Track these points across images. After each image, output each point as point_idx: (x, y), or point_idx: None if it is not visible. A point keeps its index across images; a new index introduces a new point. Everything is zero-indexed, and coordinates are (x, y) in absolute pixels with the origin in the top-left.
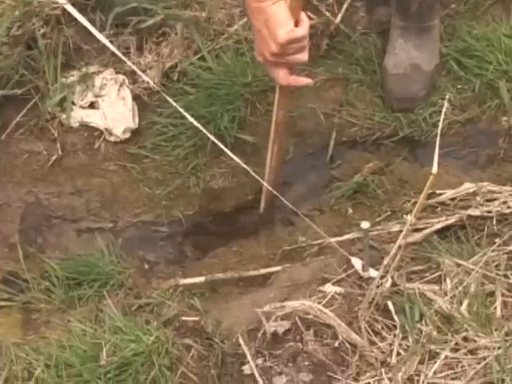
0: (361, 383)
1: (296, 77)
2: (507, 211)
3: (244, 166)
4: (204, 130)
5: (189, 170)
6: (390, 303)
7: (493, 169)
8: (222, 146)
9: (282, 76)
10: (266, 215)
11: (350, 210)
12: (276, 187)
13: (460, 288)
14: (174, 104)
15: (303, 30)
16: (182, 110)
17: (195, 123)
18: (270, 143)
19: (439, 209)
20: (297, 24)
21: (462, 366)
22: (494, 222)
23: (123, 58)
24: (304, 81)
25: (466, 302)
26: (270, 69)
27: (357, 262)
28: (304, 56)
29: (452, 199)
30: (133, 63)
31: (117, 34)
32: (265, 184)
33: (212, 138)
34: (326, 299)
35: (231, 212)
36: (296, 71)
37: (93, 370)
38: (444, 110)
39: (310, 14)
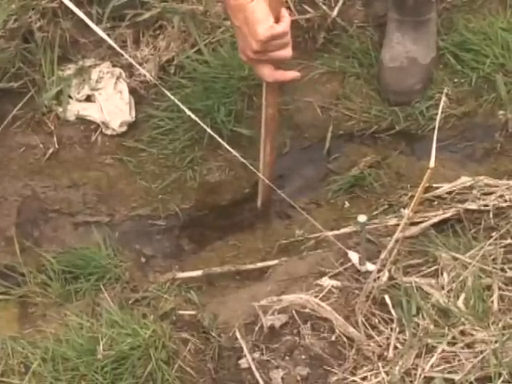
0: (358, 377)
1: (282, 71)
2: (504, 205)
3: (241, 159)
4: (201, 123)
5: (185, 164)
6: (386, 297)
7: (489, 162)
8: (219, 139)
9: (267, 73)
10: (263, 209)
11: (347, 204)
12: (272, 181)
13: (457, 282)
14: (172, 97)
15: (284, 26)
16: (179, 103)
17: (192, 116)
18: (262, 142)
19: (436, 202)
20: (278, 20)
21: (459, 360)
22: (491, 215)
23: (120, 51)
24: (291, 74)
25: (462, 296)
26: (255, 67)
27: (354, 256)
28: (287, 52)
29: (449, 193)
30: (129, 56)
31: (113, 27)
32: (262, 177)
33: (209, 130)
34: (323, 293)
35: (228, 205)
36: (285, 66)
37: (90, 364)
38: (442, 103)
39: (306, 7)
